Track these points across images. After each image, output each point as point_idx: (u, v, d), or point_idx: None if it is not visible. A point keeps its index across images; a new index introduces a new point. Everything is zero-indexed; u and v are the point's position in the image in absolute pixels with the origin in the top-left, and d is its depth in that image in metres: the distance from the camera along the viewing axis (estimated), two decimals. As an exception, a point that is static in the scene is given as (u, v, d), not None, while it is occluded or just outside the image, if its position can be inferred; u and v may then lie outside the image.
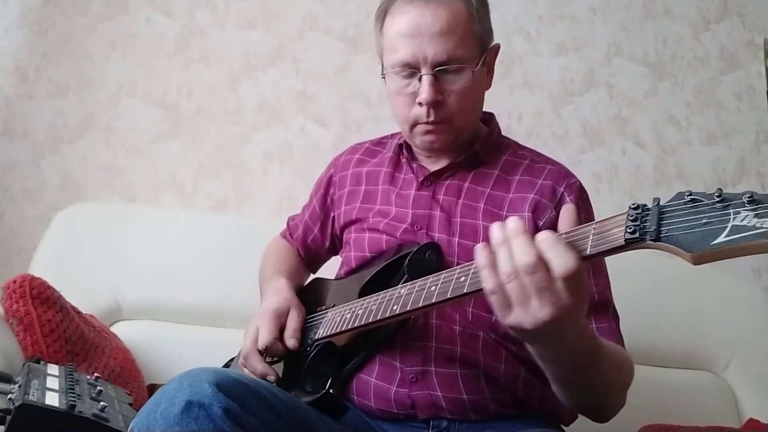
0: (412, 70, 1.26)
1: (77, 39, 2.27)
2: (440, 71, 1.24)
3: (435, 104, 1.25)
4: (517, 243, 0.87)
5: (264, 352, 1.27)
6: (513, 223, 0.89)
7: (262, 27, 2.30)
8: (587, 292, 0.91)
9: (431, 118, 1.27)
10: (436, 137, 1.30)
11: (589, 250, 0.80)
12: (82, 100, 2.27)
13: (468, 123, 1.33)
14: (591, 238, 0.81)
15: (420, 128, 1.30)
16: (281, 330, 1.28)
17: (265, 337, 1.25)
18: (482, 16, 1.29)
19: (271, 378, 1.24)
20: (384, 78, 1.32)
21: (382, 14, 1.31)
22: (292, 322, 1.28)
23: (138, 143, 2.26)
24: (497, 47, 1.35)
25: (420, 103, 1.26)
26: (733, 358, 1.92)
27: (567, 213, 1.21)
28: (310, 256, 1.60)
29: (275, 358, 1.29)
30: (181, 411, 0.94)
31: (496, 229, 0.90)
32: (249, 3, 2.30)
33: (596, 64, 2.30)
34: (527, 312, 0.86)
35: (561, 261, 0.83)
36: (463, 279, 0.96)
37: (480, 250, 0.90)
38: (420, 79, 1.25)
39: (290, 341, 1.26)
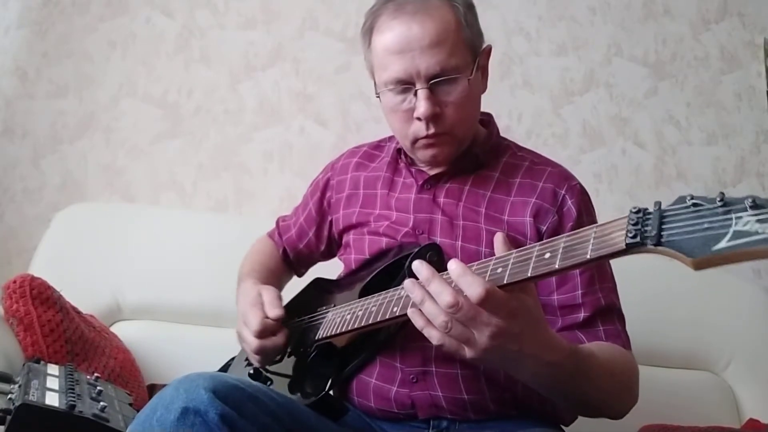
0: (405, 86, 1.23)
1: (77, 39, 2.27)
2: (435, 83, 1.21)
3: (433, 117, 1.23)
4: (434, 289, 0.91)
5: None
6: (423, 271, 0.93)
7: (262, 27, 2.29)
8: (523, 309, 0.92)
9: (431, 131, 1.24)
10: (438, 150, 1.29)
11: (589, 254, 0.80)
12: (82, 100, 2.27)
13: (468, 131, 1.31)
14: (591, 242, 0.80)
15: (421, 143, 1.28)
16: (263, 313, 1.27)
17: (254, 324, 1.24)
18: (470, 20, 1.26)
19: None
20: (378, 97, 1.29)
21: (369, 31, 1.28)
22: (266, 298, 1.28)
23: (138, 143, 2.27)
24: (489, 48, 1.32)
25: (418, 118, 1.23)
26: (733, 358, 1.92)
27: (569, 219, 1.22)
28: (299, 258, 1.60)
29: (278, 358, 1.29)
30: (177, 418, 0.93)
31: (411, 287, 0.94)
32: (249, 3, 2.30)
33: (596, 64, 2.30)
34: (475, 345, 0.92)
35: (471, 291, 0.88)
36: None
37: (414, 313, 0.95)
38: (415, 94, 1.22)
39: (271, 312, 1.25)
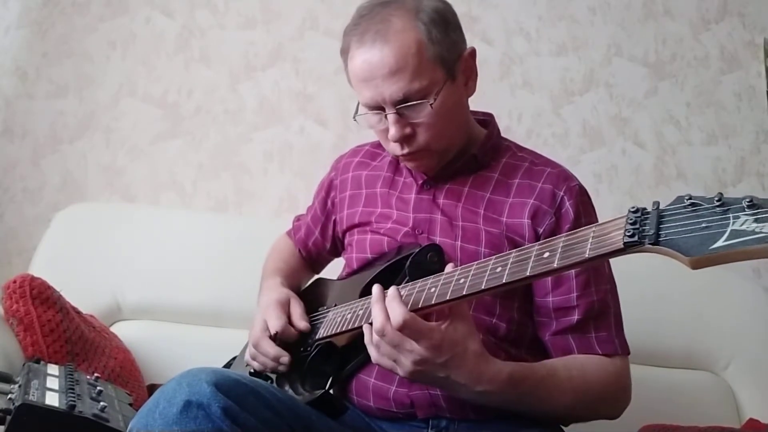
0: (377, 109, 1.25)
1: (77, 39, 2.27)
2: (402, 107, 1.22)
3: (405, 138, 1.25)
4: (373, 312, 1.04)
5: (274, 340, 1.30)
6: (374, 294, 1.06)
7: (262, 27, 2.29)
8: (449, 341, 1.03)
9: (405, 151, 1.27)
10: (419, 163, 1.32)
11: (588, 253, 0.80)
12: (82, 100, 2.27)
13: (450, 141, 1.31)
14: (590, 241, 0.81)
15: (402, 158, 1.31)
16: (288, 317, 1.32)
17: (276, 323, 1.30)
18: (437, 34, 1.22)
19: (285, 359, 1.27)
20: (355, 119, 1.32)
21: (344, 54, 1.29)
22: (297, 309, 1.34)
23: (138, 143, 2.26)
24: (471, 52, 1.30)
25: None
26: (733, 358, 1.92)
27: (567, 221, 1.23)
28: (311, 257, 1.61)
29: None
30: (180, 411, 0.94)
31: (372, 305, 1.05)
32: (249, 3, 2.29)
33: (596, 64, 2.29)
34: (403, 366, 1.05)
35: (392, 317, 1.01)
36: (462, 281, 0.97)
37: (366, 328, 1.08)
38: (387, 117, 1.24)
39: (300, 323, 1.31)
